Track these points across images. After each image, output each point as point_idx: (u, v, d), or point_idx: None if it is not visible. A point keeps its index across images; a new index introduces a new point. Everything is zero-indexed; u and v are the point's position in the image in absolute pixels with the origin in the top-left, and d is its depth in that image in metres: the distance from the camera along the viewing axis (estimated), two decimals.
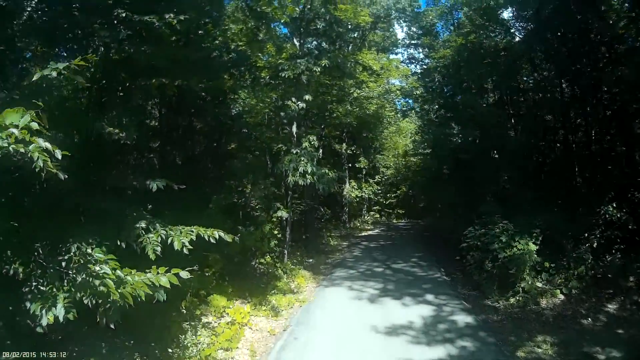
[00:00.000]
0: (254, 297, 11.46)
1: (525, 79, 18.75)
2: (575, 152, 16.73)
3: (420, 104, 25.14)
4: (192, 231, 5.28)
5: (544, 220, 13.70)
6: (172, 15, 7.67)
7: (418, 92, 24.71)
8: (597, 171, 15.14)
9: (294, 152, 14.17)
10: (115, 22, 7.55)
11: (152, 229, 5.40)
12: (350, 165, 32.16)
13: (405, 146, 43.14)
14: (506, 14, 19.91)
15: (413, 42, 27.04)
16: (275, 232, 15.10)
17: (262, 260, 14.52)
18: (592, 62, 14.48)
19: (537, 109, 18.08)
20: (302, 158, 13.86)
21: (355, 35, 24.82)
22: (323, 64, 15.17)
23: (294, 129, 15.62)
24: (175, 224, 5.53)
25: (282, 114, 16.14)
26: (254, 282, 12.50)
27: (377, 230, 30.80)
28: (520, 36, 18.28)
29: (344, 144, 31.74)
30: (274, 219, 14.69)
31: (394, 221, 38.83)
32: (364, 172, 34.60)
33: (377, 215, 38.90)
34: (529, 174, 18.27)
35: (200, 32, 11.25)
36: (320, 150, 24.74)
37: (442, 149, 17.67)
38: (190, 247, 5.11)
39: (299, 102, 14.90)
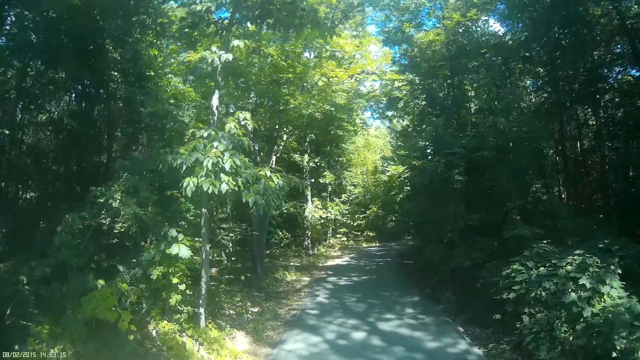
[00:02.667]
0: None
1: None
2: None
3: (406, 97, 18.84)
4: None
5: (620, 245, 8.15)
6: None
7: (401, 84, 18.49)
8: None
9: (204, 134, 7.44)
10: None
11: None
12: (313, 181, 25.53)
13: (375, 162, 37.39)
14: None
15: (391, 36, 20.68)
16: (183, 278, 8.30)
17: (164, 328, 7.83)
18: None
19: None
20: (218, 144, 7.17)
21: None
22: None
23: (214, 101, 8.87)
24: None
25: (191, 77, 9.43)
26: None
27: (346, 258, 24.04)
28: None
29: (306, 156, 25.24)
30: (174, 258, 7.83)
31: (364, 245, 32.28)
32: (329, 190, 27.99)
33: (345, 239, 32.28)
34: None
35: None
36: (274, 159, 18.06)
37: (450, 147, 11.31)
38: None
39: (221, 53, 8.27)
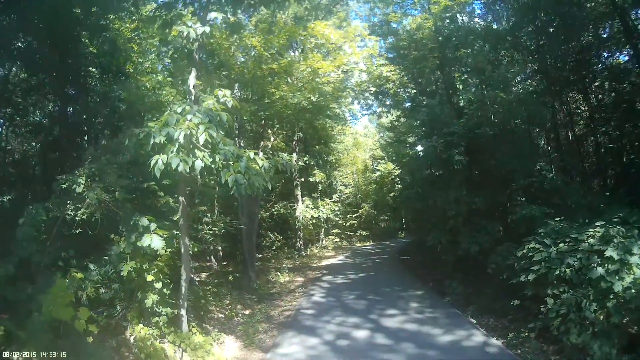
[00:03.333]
0: None
1: None
2: None
3: (395, 87, 17.86)
4: None
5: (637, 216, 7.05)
6: None
7: (390, 72, 17.55)
8: None
9: (177, 109, 6.41)
10: None
11: None
12: (302, 180, 24.52)
13: (365, 161, 36.50)
14: None
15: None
16: (159, 276, 7.26)
17: (140, 332, 6.73)
18: None
19: None
20: (192, 117, 6.15)
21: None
22: None
23: (191, 80, 7.87)
24: None
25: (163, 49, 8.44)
26: None
27: (340, 258, 22.99)
28: None
29: (295, 155, 24.22)
30: (147, 251, 6.79)
31: (358, 245, 31.25)
32: (320, 190, 26.96)
33: (337, 240, 31.23)
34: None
35: None
36: (260, 155, 17.00)
37: (448, 127, 10.39)
38: None
39: (197, 26, 7.30)
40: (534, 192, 10.52)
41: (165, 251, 7.67)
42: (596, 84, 12.75)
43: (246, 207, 15.42)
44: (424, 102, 13.79)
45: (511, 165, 10.23)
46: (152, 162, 5.61)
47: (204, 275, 15.68)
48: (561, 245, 6.71)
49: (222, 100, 7.10)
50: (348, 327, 8.38)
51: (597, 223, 6.68)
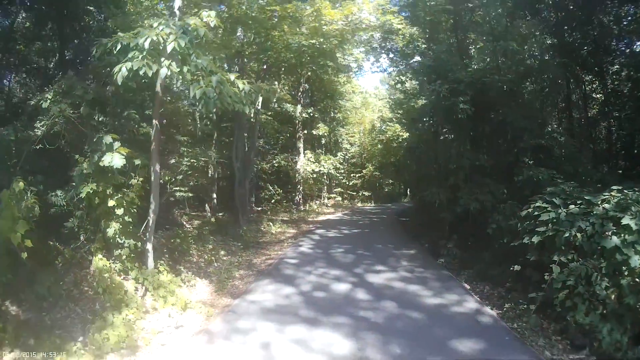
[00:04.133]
0: None
1: None
2: None
3: (406, 40, 16.22)
4: None
5: None
6: None
7: (401, 26, 15.94)
8: None
9: (153, 23, 5.48)
10: None
11: None
12: (305, 132, 23.49)
13: (373, 121, 35.11)
14: None
15: None
16: (122, 202, 6.52)
17: (99, 264, 6.19)
18: None
19: None
20: (164, 28, 5.21)
21: None
22: None
23: (176, 1, 6.88)
24: None
25: None
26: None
27: (338, 214, 22.32)
28: None
29: (299, 106, 23.08)
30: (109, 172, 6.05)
31: (359, 205, 30.54)
32: (323, 143, 25.92)
33: (339, 198, 30.50)
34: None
35: None
36: (260, 99, 15.92)
37: (454, 74, 9.20)
38: None
39: None
40: (542, 157, 9.51)
41: (137, 180, 6.98)
42: (614, 69, 11.47)
43: (241, 152, 14.57)
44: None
45: (520, 124, 9.16)
46: (116, 70, 5.04)
47: (196, 223, 15.12)
48: (572, 207, 5.77)
49: (205, 19, 6.25)
50: (329, 279, 7.67)
51: (614, 187, 5.72)
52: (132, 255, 6.79)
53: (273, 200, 21.73)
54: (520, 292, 6.28)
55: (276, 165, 22.63)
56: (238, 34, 14.44)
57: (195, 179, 19.65)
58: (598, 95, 12.39)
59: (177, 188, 18.00)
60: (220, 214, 16.06)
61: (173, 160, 10.97)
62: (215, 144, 18.72)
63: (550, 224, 5.77)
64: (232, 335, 5.16)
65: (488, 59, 9.94)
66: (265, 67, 15.73)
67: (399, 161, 24.13)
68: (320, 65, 15.22)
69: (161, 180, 7.82)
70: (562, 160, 9.29)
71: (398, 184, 35.97)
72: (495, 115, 9.88)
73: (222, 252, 10.49)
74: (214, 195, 18.65)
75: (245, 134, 15.44)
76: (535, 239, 5.78)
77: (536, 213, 6.03)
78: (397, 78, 16.64)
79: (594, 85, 12.35)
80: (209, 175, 19.61)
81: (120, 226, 6.47)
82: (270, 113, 21.25)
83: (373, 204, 31.52)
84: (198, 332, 5.46)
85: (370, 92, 38.00)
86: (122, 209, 6.46)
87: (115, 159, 5.91)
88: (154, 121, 7.29)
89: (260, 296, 6.76)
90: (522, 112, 9.58)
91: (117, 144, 6.08)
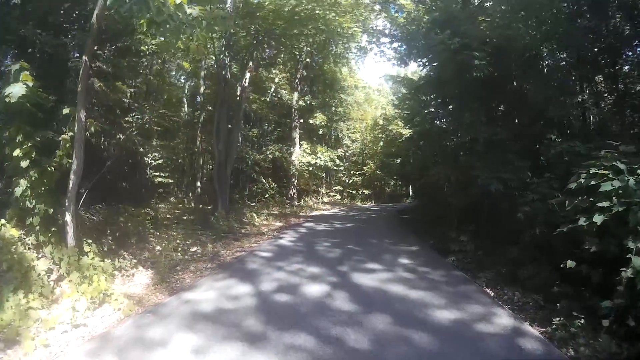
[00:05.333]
0: None
1: None
2: None
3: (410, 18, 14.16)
4: None
5: None
6: None
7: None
8: None
9: None
10: None
11: None
12: (302, 121, 21.55)
13: (375, 118, 33.10)
14: None
15: None
16: (32, 152, 4.72)
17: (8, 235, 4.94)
18: None
19: None
20: None
21: None
22: None
23: None
24: None
25: None
26: None
27: (334, 210, 20.33)
28: None
29: (296, 94, 21.18)
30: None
31: (359, 203, 28.53)
32: (321, 135, 23.91)
33: (338, 196, 28.48)
34: None
35: None
36: (248, 76, 14.00)
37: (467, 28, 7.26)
38: None
39: None
40: (570, 129, 7.55)
41: (66, 134, 5.25)
42: (625, 69, 9.53)
43: (224, 132, 12.64)
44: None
45: (545, 93, 7.22)
46: None
47: (177, 211, 13.29)
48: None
49: None
50: (302, 278, 5.69)
51: None
52: (53, 228, 5.32)
53: (267, 195, 19.76)
54: (571, 299, 4.28)
55: (270, 156, 20.68)
56: (228, 5, 12.61)
57: (172, 164, 17.90)
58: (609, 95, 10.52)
59: (157, 173, 16.38)
60: (208, 206, 14.21)
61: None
62: (200, 128, 17.03)
63: (614, 197, 3.83)
64: (130, 350, 3.24)
65: (507, 14, 7.91)
66: (255, 42, 13.82)
67: (402, 153, 21.83)
68: (314, 33, 13.22)
69: (87, 133, 5.95)
70: (592, 135, 7.38)
71: (400, 184, 33.91)
72: (512, 82, 7.92)
73: (189, 242, 8.61)
74: (198, 184, 16.87)
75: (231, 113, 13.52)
76: (597, 219, 3.82)
77: (592, 183, 4.08)
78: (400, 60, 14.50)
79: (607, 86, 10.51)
80: (194, 164, 17.90)
81: (28, 184, 4.75)
82: (263, 99, 19.39)
83: (373, 203, 29.49)
84: (95, 337, 3.59)
85: (374, 88, 36.09)
86: (27, 161, 4.82)
87: (15, 89, 4.64)
88: (84, 57, 5.59)
89: (201, 294, 4.85)
90: (544, 79, 7.69)
91: (24, 73, 4.69)
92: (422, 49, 10.05)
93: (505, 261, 6.01)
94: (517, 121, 7.86)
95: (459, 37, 7.06)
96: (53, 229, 5.34)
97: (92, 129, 5.98)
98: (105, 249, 6.59)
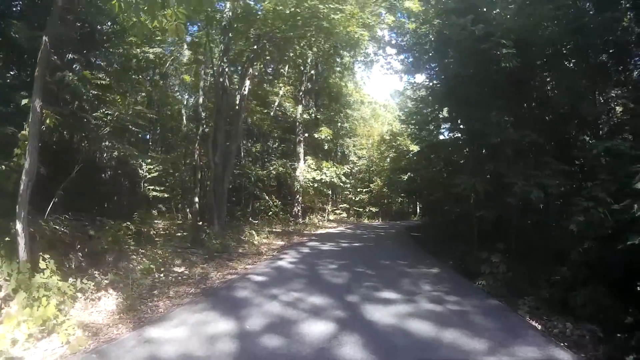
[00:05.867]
0: None
1: None
2: None
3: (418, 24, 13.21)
4: None
5: None
6: None
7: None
8: None
9: None
10: None
11: None
12: (307, 135, 20.65)
13: (382, 134, 32.15)
14: None
15: None
16: None
17: None
18: None
19: None
20: None
21: None
22: None
23: None
24: None
25: None
26: None
27: (340, 228, 19.20)
28: None
29: (300, 107, 20.37)
30: None
31: (365, 221, 27.38)
32: (326, 149, 22.93)
33: (344, 214, 27.32)
34: None
35: None
36: (247, 83, 13.15)
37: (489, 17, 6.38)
38: None
39: None
40: (603, 130, 6.55)
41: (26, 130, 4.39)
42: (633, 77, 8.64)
43: (221, 143, 11.73)
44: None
45: (574, 94, 6.26)
46: None
47: (174, 227, 12.32)
48: None
49: None
50: (301, 312, 4.59)
51: None
52: (7, 238, 4.56)
53: (270, 212, 18.73)
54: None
55: (274, 172, 19.75)
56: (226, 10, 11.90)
57: (172, 179, 17.05)
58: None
59: (152, 187, 15.49)
60: (205, 222, 13.24)
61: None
62: (199, 141, 16.19)
63: None
64: None
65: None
66: (255, 47, 13.01)
67: (410, 167, 20.69)
68: (317, 38, 12.41)
69: (44, 127, 5.05)
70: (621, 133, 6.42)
71: (407, 201, 32.74)
72: (536, 78, 6.96)
73: (178, 262, 7.61)
74: (196, 199, 15.96)
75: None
76: None
77: None
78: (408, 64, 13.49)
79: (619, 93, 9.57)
80: (190, 177, 17.04)
81: None
82: (266, 111, 18.61)
83: (380, 221, 28.33)
84: None
85: (380, 103, 35.35)
86: None
87: None
88: (44, 38, 4.75)
89: (169, 331, 3.80)
90: (569, 76, 6.76)
91: None
92: (434, 50, 9.19)
93: (547, 284, 4.90)
94: (547, 119, 6.83)
95: (482, 23, 6.14)
96: (6, 238, 4.48)
97: (48, 121, 5.04)
98: (73, 266, 5.66)
